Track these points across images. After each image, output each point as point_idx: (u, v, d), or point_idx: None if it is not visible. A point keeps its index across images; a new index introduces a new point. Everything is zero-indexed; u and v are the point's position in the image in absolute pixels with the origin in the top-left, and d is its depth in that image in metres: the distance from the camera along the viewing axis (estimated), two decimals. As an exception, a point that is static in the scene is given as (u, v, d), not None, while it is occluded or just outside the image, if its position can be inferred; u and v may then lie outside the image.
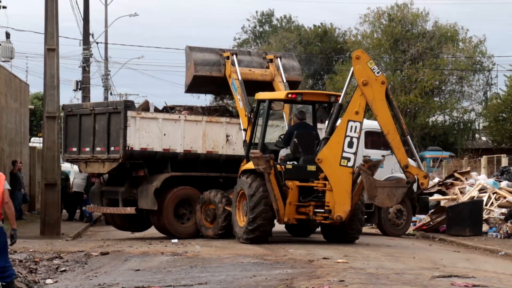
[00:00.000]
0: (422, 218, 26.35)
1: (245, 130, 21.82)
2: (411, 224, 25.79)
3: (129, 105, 22.75)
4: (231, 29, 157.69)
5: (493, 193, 26.49)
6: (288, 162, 20.46)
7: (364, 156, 21.00)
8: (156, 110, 23.50)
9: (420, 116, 55.53)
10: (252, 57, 24.46)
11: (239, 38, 74.71)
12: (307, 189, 20.15)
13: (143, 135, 22.38)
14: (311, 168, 20.07)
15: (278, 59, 23.95)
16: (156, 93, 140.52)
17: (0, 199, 11.50)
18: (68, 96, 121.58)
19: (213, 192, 22.26)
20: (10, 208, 11.66)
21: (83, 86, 40.74)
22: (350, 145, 19.55)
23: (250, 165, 20.22)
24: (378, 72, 19.65)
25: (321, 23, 67.04)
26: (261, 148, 20.55)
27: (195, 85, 24.07)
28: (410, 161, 19.99)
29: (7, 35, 39.59)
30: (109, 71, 55.08)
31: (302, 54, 61.22)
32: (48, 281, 14.48)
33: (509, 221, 23.99)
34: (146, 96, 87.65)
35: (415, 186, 20.41)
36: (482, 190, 26.98)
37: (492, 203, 26.04)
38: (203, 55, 23.77)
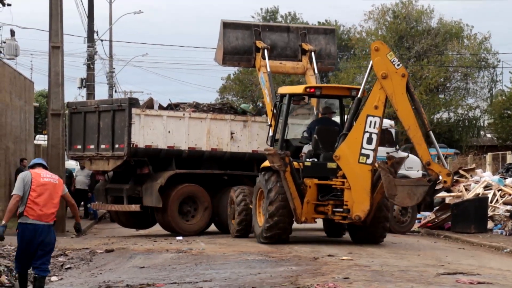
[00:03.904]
0: (427, 215, 26.31)
1: (271, 125, 20.98)
2: (416, 221, 25.75)
3: (133, 102, 22.75)
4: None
5: (498, 190, 26.43)
6: (308, 159, 19.66)
7: (387, 153, 20.46)
8: (161, 107, 23.49)
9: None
10: (289, 38, 23.62)
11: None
12: (326, 187, 19.18)
13: (148, 133, 22.37)
14: (332, 165, 19.10)
15: (313, 53, 23.31)
16: (161, 90, 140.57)
17: (58, 201, 12.22)
18: (73, 93, 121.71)
19: (237, 191, 21.32)
20: (76, 208, 12.93)
21: (88, 83, 40.81)
22: (369, 141, 18.61)
23: (268, 163, 19.31)
24: (398, 65, 18.79)
25: (326, 20, 67.02)
26: (281, 145, 19.87)
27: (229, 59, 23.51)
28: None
29: (12, 33, 39.60)
30: (114, 68, 55.19)
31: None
32: (53, 278, 14.50)
33: (514, 218, 23.94)
34: (150, 93, 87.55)
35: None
36: (487, 187, 26.92)
37: (497, 200, 25.97)
38: (235, 39, 23.18)
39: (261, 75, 22.72)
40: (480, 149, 51.61)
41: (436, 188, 19.76)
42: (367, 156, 18.60)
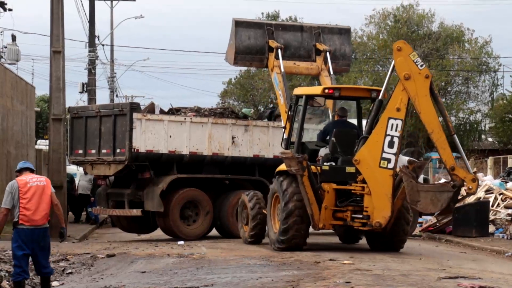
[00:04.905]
0: (429, 219, 26.31)
1: (285, 128, 20.30)
2: (418, 225, 25.75)
3: (135, 107, 22.77)
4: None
5: (500, 194, 26.43)
6: (325, 163, 18.85)
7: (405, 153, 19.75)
8: (162, 112, 23.51)
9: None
10: (303, 37, 23.01)
11: (245, 39, 74.54)
12: (344, 192, 18.46)
13: (149, 137, 22.39)
14: (350, 169, 18.39)
15: (328, 53, 22.74)
16: (162, 95, 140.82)
17: (49, 201, 12.54)
18: (74, 98, 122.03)
19: (250, 196, 20.74)
20: (60, 209, 12.86)
21: (89, 88, 40.90)
22: (391, 145, 17.81)
23: (284, 166, 18.61)
24: (421, 65, 17.90)
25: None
26: (298, 148, 19.15)
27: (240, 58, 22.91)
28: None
29: (13, 38, 39.75)
30: (115, 73, 55.27)
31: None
32: (55, 283, 14.50)
33: (515, 222, 23.93)
34: (152, 98, 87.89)
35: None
36: (489, 191, 26.91)
37: (498, 204, 25.97)
38: (247, 38, 22.60)
39: (275, 76, 22.02)
40: (481, 153, 51.58)
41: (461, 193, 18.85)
42: (388, 160, 17.87)
